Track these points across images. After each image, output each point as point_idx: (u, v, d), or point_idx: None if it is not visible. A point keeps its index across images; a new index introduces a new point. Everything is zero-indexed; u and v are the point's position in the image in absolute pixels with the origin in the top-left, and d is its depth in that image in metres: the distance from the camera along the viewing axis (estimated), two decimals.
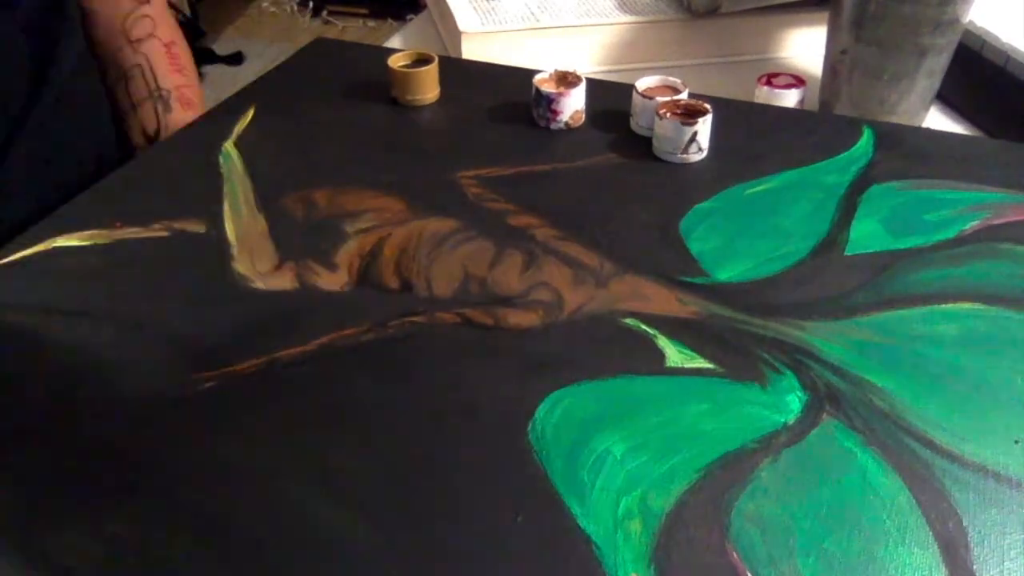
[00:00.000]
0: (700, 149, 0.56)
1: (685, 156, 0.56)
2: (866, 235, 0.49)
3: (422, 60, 0.65)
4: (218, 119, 0.62)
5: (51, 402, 0.40)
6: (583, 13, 0.76)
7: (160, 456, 0.37)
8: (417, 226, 0.51)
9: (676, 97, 0.58)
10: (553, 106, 0.59)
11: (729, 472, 0.35)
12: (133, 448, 0.37)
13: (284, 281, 0.47)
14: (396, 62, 0.64)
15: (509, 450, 0.37)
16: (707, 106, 0.56)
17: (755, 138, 0.59)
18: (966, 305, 0.44)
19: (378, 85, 0.66)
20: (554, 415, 0.38)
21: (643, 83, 0.59)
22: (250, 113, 0.62)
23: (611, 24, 0.75)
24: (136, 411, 0.39)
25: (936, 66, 0.60)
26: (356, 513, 0.34)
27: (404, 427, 0.38)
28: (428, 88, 0.64)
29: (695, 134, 0.55)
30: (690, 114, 0.56)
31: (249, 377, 0.41)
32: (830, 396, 0.39)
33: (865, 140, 0.58)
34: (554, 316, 0.44)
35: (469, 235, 0.50)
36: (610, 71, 0.77)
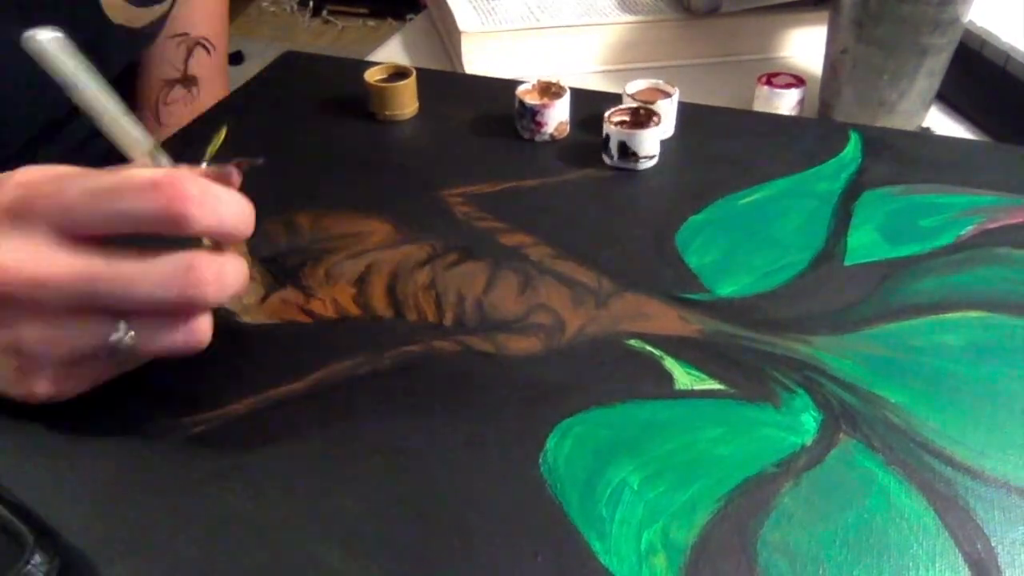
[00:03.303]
0: (638, 158, 0.55)
1: (623, 162, 0.56)
2: (864, 244, 0.48)
3: (399, 73, 0.63)
4: (188, 140, 0.60)
5: (37, 456, 0.37)
6: (583, 13, 0.75)
7: (157, 508, 0.35)
8: (406, 249, 0.49)
9: (648, 104, 0.57)
10: (537, 118, 0.58)
11: (751, 499, 0.34)
12: (128, 500, 0.35)
13: (271, 314, 0.45)
14: (372, 76, 0.62)
15: (521, 484, 0.35)
16: (655, 117, 0.56)
17: (742, 146, 0.58)
18: (972, 314, 0.43)
19: (352, 100, 0.64)
20: (565, 445, 0.37)
21: (633, 86, 0.59)
22: (222, 133, 0.60)
23: (611, 24, 0.74)
24: (124, 460, 0.37)
25: (936, 66, 0.60)
26: (367, 559, 0.33)
27: (409, 465, 0.36)
28: (407, 103, 0.62)
29: (622, 143, 0.55)
30: (636, 121, 0.56)
31: (242, 418, 0.39)
32: (845, 414, 0.38)
33: (853, 145, 0.57)
34: (555, 340, 0.43)
35: (461, 257, 0.48)
36: (610, 71, 0.76)
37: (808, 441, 0.37)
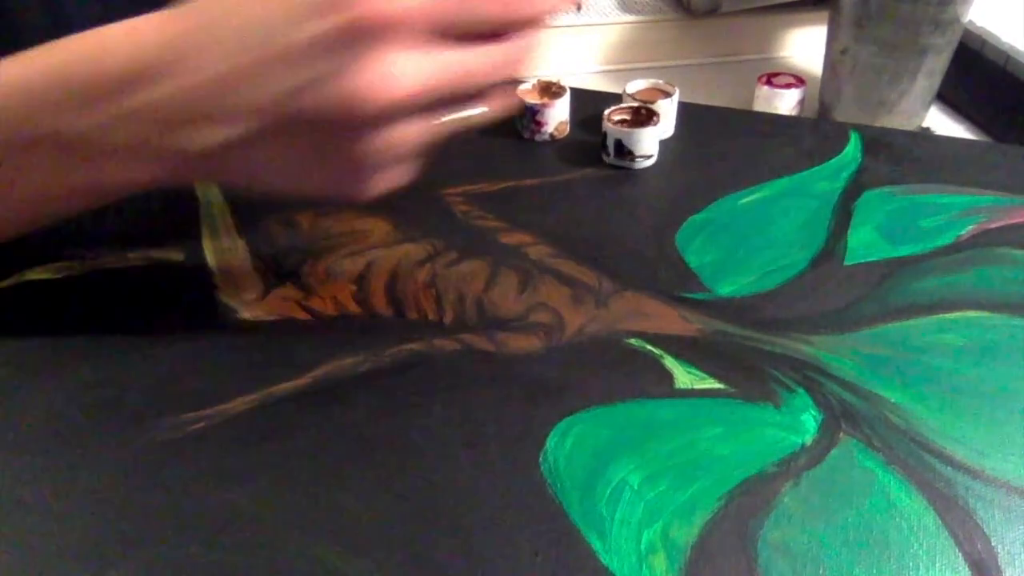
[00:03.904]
0: (634, 157, 0.55)
1: (620, 161, 0.56)
2: (864, 243, 0.48)
3: None
4: None
5: (37, 453, 0.37)
6: (583, 13, 0.75)
7: (157, 505, 0.35)
8: (406, 248, 0.49)
9: (648, 104, 0.57)
10: (537, 117, 0.58)
11: (751, 499, 0.34)
12: (129, 498, 0.35)
13: (271, 310, 0.45)
14: None
15: (522, 484, 0.35)
16: (655, 116, 0.56)
17: (742, 146, 0.58)
18: (971, 313, 0.43)
19: None
20: (566, 445, 0.37)
21: (633, 86, 0.59)
22: None
23: (611, 24, 0.74)
24: (126, 458, 0.37)
25: (936, 66, 0.60)
26: (366, 558, 0.33)
27: (409, 463, 0.36)
28: None
29: (618, 141, 0.55)
30: (636, 120, 0.56)
31: (242, 415, 0.39)
32: (845, 414, 0.38)
33: (853, 145, 0.57)
34: (556, 339, 0.43)
35: (461, 256, 0.48)
36: (609, 71, 0.76)
37: (808, 440, 0.37)
